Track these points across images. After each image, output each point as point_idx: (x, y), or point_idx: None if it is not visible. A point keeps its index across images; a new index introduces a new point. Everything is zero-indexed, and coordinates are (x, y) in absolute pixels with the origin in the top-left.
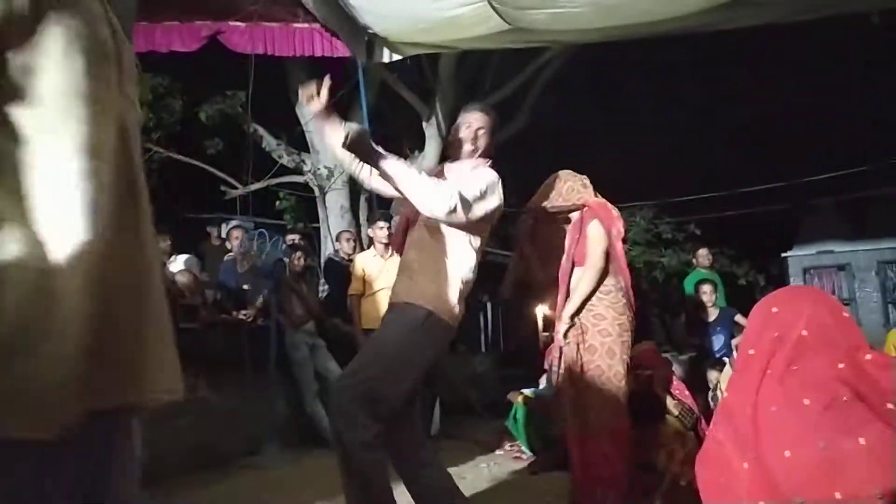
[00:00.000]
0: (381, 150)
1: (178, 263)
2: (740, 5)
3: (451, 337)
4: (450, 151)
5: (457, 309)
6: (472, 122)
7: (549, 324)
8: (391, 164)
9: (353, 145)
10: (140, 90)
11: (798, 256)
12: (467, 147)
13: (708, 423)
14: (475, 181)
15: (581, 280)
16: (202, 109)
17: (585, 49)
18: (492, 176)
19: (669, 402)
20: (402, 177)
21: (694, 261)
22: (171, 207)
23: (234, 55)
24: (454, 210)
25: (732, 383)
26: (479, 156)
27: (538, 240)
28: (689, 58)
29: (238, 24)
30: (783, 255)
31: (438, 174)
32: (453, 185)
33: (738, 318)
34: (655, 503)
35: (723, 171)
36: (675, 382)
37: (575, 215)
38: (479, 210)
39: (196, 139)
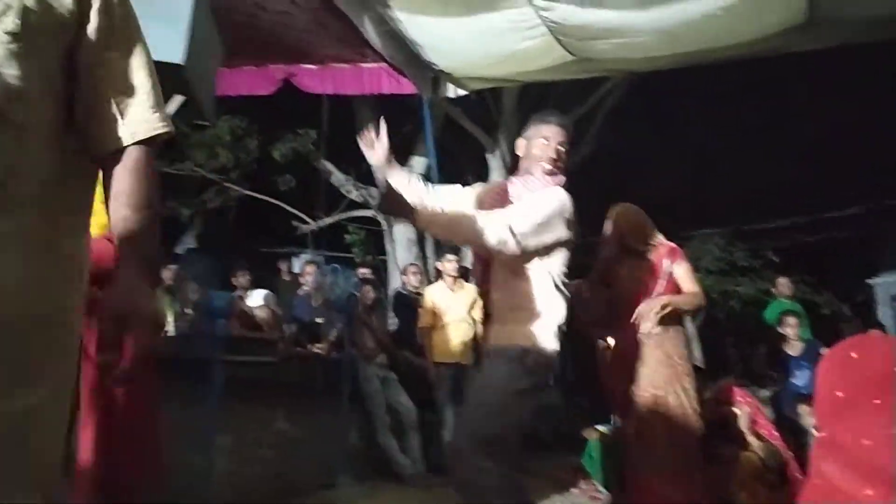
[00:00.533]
0: (418, 192)
1: (256, 298)
2: (813, 27)
3: (551, 371)
4: (520, 163)
5: (554, 346)
6: (552, 138)
7: None
8: (428, 216)
9: (385, 208)
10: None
11: (886, 283)
12: (544, 166)
13: (800, 464)
14: (538, 208)
15: (690, 297)
16: (276, 148)
17: (649, 76)
18: (559, 202)
19: (754, 441)
20: (445, 226)
21: (773, 289)
22: (248, 243)
23: (305, 95)
24: (504, 242)
25: (828, 419)
26: (556, 176)
27: (619, 275)
28: (758, 78)
29: (310, 66)
30: (868, 281)
31: (501, 192)
32: (504, 215)
33: (824, 351)
34: None
35: (799, 194)
36: (761, 421)
37: (651, 255)
38: (535, 241)
39: (269, 176)
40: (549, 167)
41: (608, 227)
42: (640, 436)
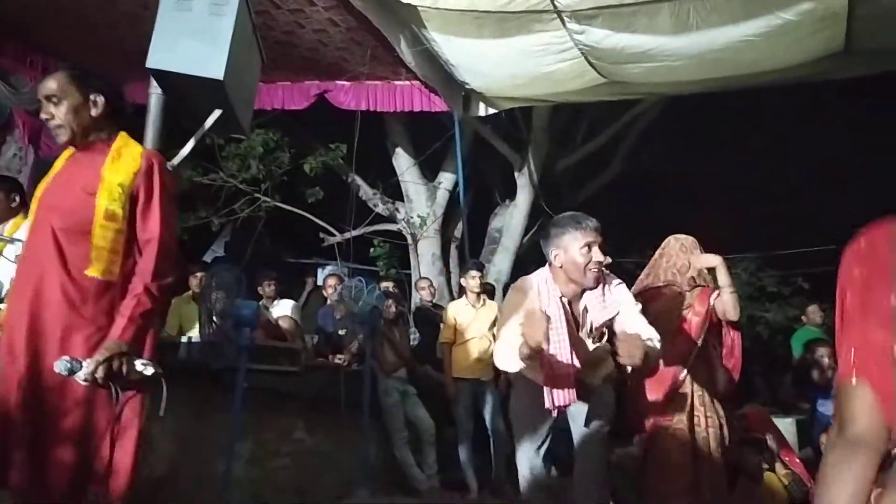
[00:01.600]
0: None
1: (281, 308)
2: (851, 55)
3: None
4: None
5: None
6: (593, 243)
7: None
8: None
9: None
10: (253, 144)
11: None
12: (597, 273)
13: None
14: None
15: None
16: (307, 161)
17: (682, 98)
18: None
19: (780, 469)
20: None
21: (803, 317)
22: (275, 253)
23: (336, 110)
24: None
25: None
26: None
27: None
28: (792, 104)
29: (344, 83)
30: None
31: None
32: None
33: None
34: None
35: (832, 221)
36: (786, 450)
37: (695, 292)
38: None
39: (299, 188)
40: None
41: (678, 255)
42: (662, 465)
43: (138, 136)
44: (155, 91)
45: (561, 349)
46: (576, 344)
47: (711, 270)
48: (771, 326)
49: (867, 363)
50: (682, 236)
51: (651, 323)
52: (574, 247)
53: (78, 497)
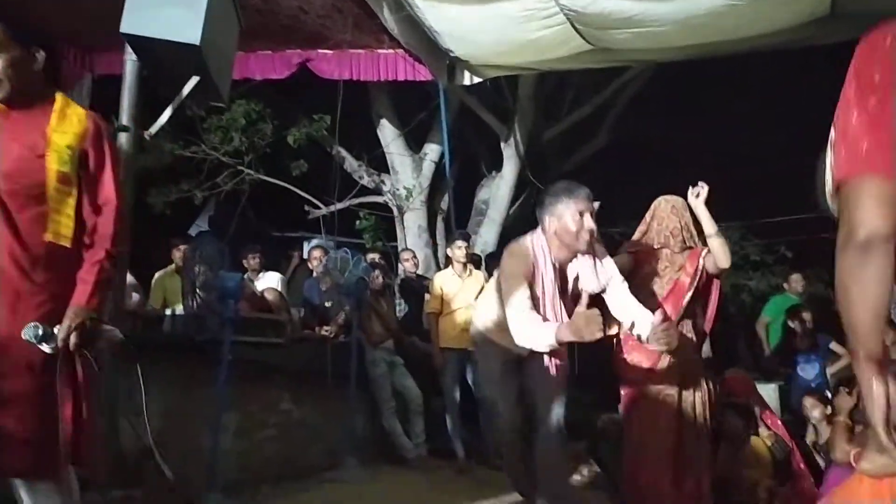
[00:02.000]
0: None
1: (266, 281)
2: (837, 19)
3: None
4: (551, 238)
5: None
6: (585, 211)
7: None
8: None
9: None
10: (235, 116)
11: None
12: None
13: (803, 456)
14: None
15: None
16: (290, 133)
17: (669, 66)
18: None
19: (763, 431)
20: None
21: (785, 285)
22: (260, 227)
23: (320, 80)
24: None
25: None
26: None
27: (650, 269)
28: (778, 70)
29: (326, 51)
30: None
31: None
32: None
33: (834, 345)
34: None
35: (815, 190)
36: (768, 413)
37: (685, 254)
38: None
39: (282, 161)
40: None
41: (669, 217)
42: (648, 431)
43: (114, 105)
44: (130, 57)
45: (555, 315)
46: (568, 310)
47: (698, 224)
48: (754, 295)
49: (876, 155)
50: (672, 197)
51: (642, 286)
52: (567, 214)
53: (41, 465)
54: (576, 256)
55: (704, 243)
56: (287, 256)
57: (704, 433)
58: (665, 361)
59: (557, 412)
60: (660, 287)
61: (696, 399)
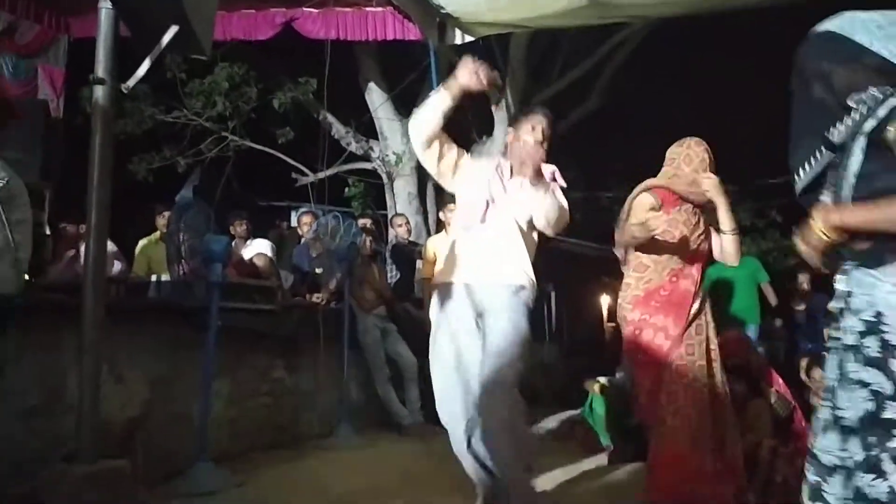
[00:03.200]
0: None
1: (254, 247)
2: None
3: None
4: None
5: None
6: (537, 126)
7: (614, 314)
8: None
9: None
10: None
11: None
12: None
13: (804, 414)
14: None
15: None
16: (275, 97)
17: (662, 27)
18: None
19: (766, 389)
20: None
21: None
22: (246, 196)
23: (305, 41)
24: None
25: None
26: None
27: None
28: (774, 32)
29: (312, 10)
30: None
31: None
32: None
33: (832, 305)
34: (748, 496)
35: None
36: (766, 370)
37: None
38: None
39: (268, 127)
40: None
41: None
42: (675, 409)
43: (91, 68)
44: (105, 5)
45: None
46: None
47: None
48: None
49: None
50: (700, 144)
51: (668, 233)
52: (522, 128)
53: None
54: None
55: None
56: (275, 226)
57: (728, 400)
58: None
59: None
60: (686, 249)
61: (714, 367)
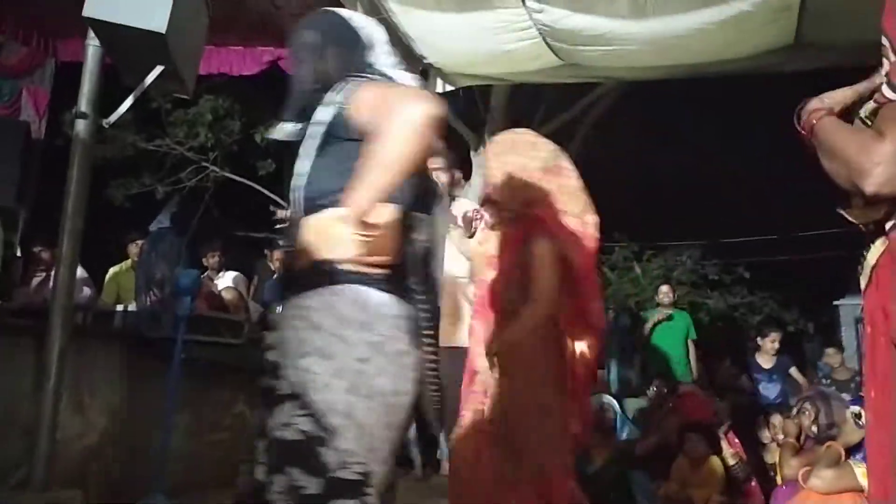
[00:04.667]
0: None
1: (225, 280)
2: (801, 48)
3: None
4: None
5: None
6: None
7: None
8: None
9: None
10: (202, 110)
11: (850, 305)
12: None
13: (759, 477)
14: None
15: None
16: (258, 131)
17: (639, 85)
18: None
19: (727, 450)
20: None
21: (656, 297)
22: (224, 225)
23: (290, 78)
24: None
25: None
26: None
27: None
28: (747, 96)
29: None
30: (835, 303)
31: None
32: None
33: (794, 371)
34: None
35: (774, 214)
36: (730, 433)
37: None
38: None
39: (249, 159)
40: None
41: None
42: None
43: (76, 92)
44: (92, 43)
45: None
46: None
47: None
48: (712, 313)
49: None
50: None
51: None
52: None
53: None
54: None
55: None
56: (262, 256)
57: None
58: None
59: None
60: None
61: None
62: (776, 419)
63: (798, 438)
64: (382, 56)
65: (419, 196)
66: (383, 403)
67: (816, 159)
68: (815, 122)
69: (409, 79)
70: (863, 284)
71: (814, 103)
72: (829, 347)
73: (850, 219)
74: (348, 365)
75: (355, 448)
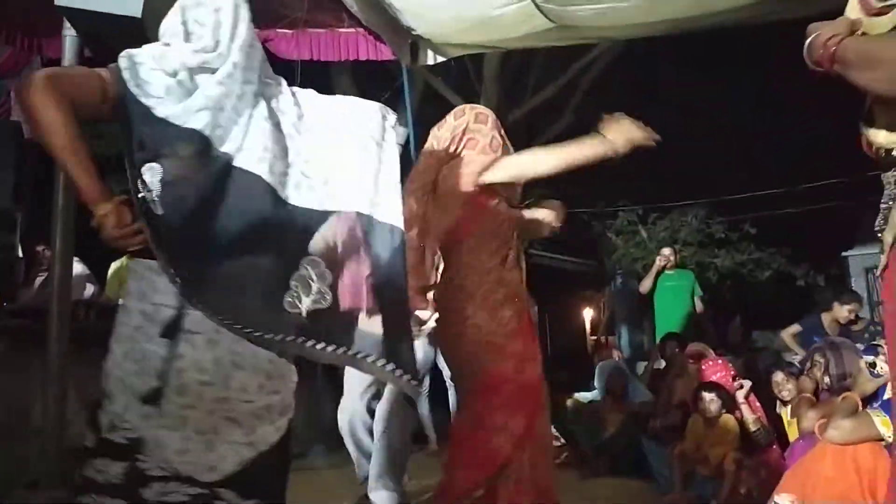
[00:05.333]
0: None
1: None
2: None
3: None
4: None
5: None
6: None
7: (597, 328)
8: None
9: None
10: None
11: (859, 255)
12: None
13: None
14: None
15: None
16: None
17: (633, 44)
18: None
19: (748, 415)
20: None
21: (659, 259)
22: None
23: (279, 64)
24: None
25: None
26: None
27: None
28: (742, 52)
29: (285, 31)
30: (843, 254)
31: None
32: None
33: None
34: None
35: (779, 166)
36: (751, 396)
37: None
38: None
39: None
40: None
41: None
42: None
43: None
44: (69, 33)
45: None
46: None
47: None
48: (720, 272)
49: None
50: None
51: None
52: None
53: None
54: None
55: None
56: None
57: None
58: None
59: None
60: None
61: None
62: (778, 376)
63: (815, 394)
64: None
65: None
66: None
67: (821, 106)
68: (835, 47)
69: None
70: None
71: (823, 35)
72: (844, 296)
73: (870, 140)
74: (125, 332)
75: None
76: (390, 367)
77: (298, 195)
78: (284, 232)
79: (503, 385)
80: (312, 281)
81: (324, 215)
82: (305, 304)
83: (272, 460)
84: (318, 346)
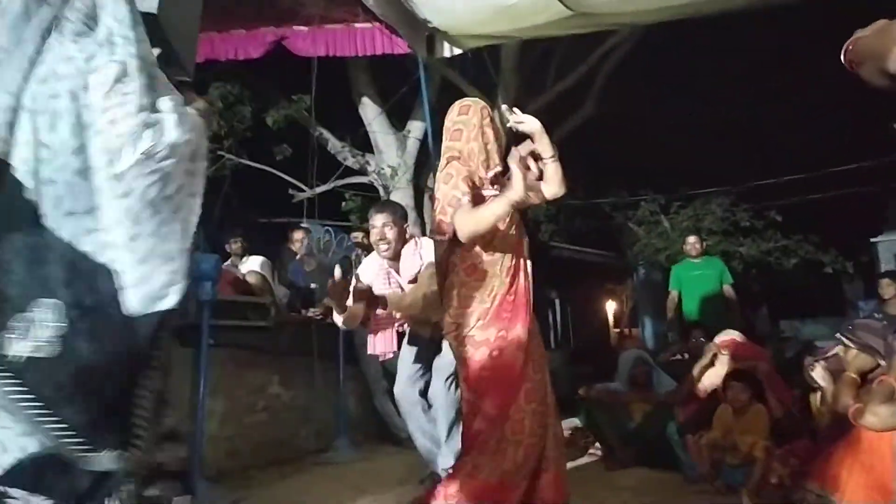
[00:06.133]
0: None
1: (249, 264)
2: None
3: None
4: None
5: None
6: (377, 225)
7: (619, 319)
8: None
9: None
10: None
11: (888, 241)
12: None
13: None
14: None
15: None
16: (269, 114)
17: (653, 32)
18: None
19: (774, 405)
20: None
21: (685, 247)
22: (244, 212)
23: (297, 59)
24: None
25: None
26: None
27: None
28: (765, 36)
29: (301, 28)
30: (872, 240)
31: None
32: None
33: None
34: (744, 491)
35: (804, 152)
36: (777, 384)
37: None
38: None
39: (264, 144)
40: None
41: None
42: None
43: None
44: None
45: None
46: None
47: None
48: (745, 261)
49: None
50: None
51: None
52: (372, 226)
53: None
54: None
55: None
56: (271, 241)
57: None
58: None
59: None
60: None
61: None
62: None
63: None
64: None
65: None
66: None
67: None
68: (850, 45)
69: None
70: None
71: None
72: (883, 278)
73: None
74: None
75: None
76: None
77: None
78: None
79: (480, 372)
80: None
81: None
82: None
83: None
84: None
